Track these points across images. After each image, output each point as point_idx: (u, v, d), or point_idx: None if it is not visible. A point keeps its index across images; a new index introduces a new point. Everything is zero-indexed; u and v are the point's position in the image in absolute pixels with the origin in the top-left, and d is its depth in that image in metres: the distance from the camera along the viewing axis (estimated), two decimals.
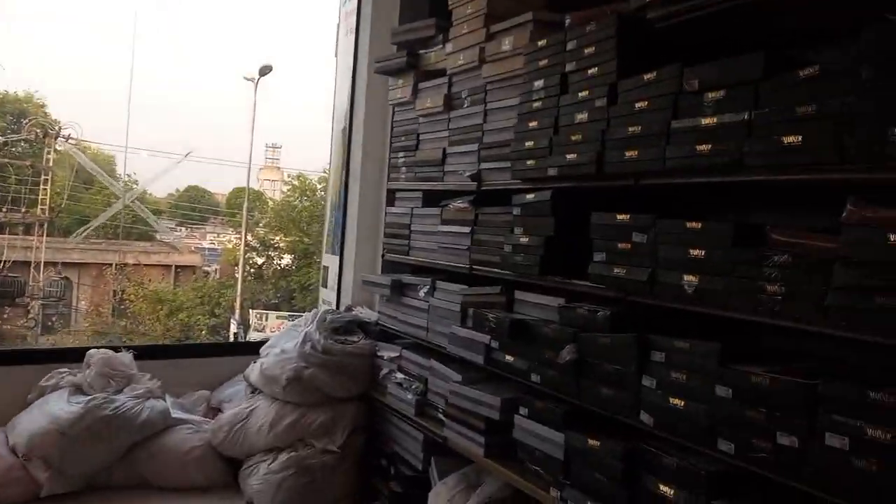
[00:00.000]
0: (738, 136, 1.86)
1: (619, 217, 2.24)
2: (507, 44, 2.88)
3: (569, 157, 2.45)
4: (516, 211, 2.72)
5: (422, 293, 3.24)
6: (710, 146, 1.94)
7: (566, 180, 2.50)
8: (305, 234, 18.67)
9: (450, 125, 3.29)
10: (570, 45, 2.50)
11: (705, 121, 1.97)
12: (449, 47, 3.28)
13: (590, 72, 2.41)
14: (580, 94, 2.44)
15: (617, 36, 2.30)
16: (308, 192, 19.68)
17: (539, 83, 2.64)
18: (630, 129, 2.21)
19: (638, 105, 2.20)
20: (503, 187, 2.86)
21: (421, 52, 3.44)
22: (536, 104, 2.66)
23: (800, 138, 1.72)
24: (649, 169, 2.14)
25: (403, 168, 3.54)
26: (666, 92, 2.11)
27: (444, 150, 3.28)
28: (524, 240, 2.61)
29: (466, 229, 3.02)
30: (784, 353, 1.94)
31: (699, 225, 1.99)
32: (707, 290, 1.90)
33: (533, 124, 2.66)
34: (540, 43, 2.65)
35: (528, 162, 2.65)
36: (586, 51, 2.42)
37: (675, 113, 2.08)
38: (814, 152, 1.68)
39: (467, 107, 3.18)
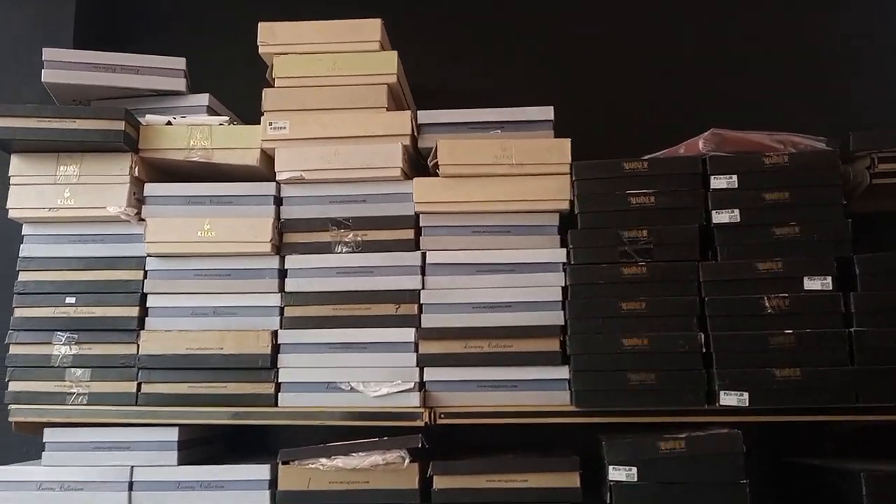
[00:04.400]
0: None
1: None
2: (507, 154, 1.58)
3: (780, 374, 1.40)
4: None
5: None
6: None
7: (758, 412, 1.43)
8: None
9: (286, 286, 1.60)
10: (717, 183, 1.49)
11: None
12: (281, 127, 1.64)
13: (777, 232, 1.48)
14: (762, 266, 1.46)
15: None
16: None
17: (636, 234, 1.49)
18: None
19: None
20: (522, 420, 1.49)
21: (155, 116, 1.74)
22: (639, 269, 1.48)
23: None
24: None
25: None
26: None
27: (275, 336, 1.56)
28: None
29: None
30: None
31: None
32: None
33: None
34: (637, 165, 1.52)
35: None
36: (768, 197, 1.48)
37: None
38: None
39: (347, 251, 1.61)
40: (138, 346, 1.63)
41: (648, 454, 1.42)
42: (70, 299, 1.67)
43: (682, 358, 1.45)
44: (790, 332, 1.43)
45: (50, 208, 1.67)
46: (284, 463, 1.56)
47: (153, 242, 1.64)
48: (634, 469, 1.42)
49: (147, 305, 1.66)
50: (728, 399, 1.41)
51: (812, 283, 1.45)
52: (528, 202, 1.59)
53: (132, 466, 1.58)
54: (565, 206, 1.58)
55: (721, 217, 1.49)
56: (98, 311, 1.65)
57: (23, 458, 1.69)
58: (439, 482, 1.52)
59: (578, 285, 1.51)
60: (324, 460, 1.54)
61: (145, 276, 1.66)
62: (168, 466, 1.58)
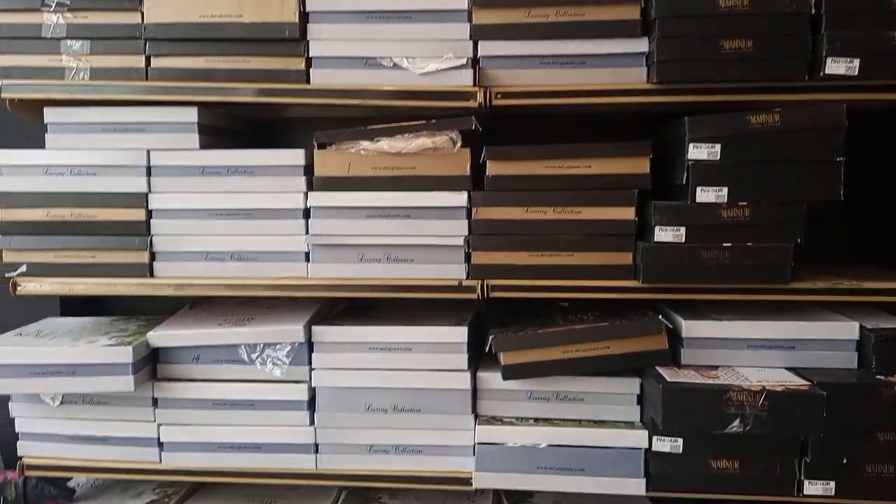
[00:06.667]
0: None
1: None
2: None
3: None
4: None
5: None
6: None
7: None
8: None
9: None
10: None
11: None
12: None
13: None
14: None
15: None
16: None
17: None
18: None
19: None
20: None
21: None
22: None
23: None
24: None
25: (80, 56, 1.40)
26: None
27: (303, 3, 1.33)
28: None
29: (461, 201, 1.33)
30: None
31: None
32: None
33: None
34: None
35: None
36: None
37: None
38: None
39: None
40: (143, 13, 1.39)
41: (736, 129, 1.26)
42: None
43: (786, 20, 1.24)
44: None
45: None
46: (321, 146, 1.40)
47: None
48: (718, 146, 1.27)
49: None
50: (836, 67, 1.22)
51: None
52: None
53: (148, 150, 1.42)
54: None
55: None
56: None
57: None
58: (493, 168, 1.37)
59: None
60: (365, 143, 1.38)
61: None
62: (189, 150, 1.42)
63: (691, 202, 1.29)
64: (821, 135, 1.25)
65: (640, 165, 1.34)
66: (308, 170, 1.41)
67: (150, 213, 1.43)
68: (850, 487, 1.29)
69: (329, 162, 1.40)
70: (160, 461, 1.47)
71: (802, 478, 1.29)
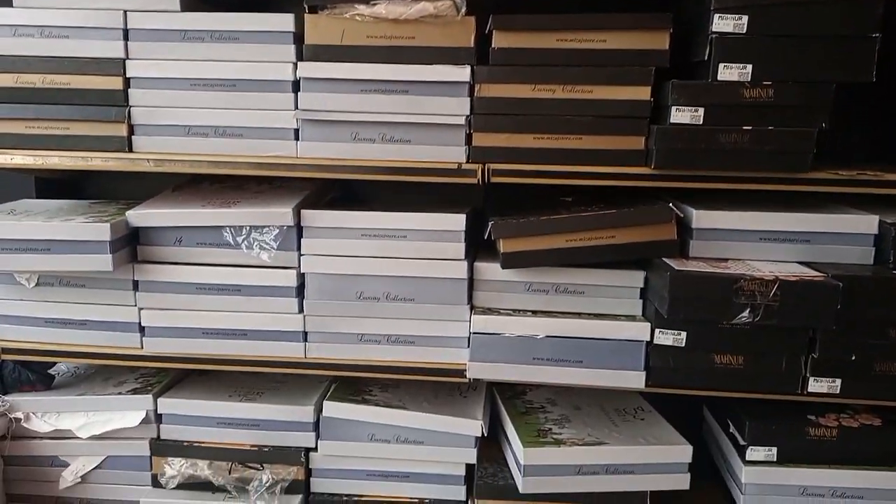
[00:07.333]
0: None
1: None
2: None
3: None
4: None
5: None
6: None
7: None
8: None
9: None
10: None
11: None
12: None
13: None
14: None
15: None
16: None
17: None
18: None
19: None
20: None
21: None
22: None
23: None
24: None
25: None
26: None
27: None
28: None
29: (463, 75, 1.23)
30: None
31: None
32: None
33: None
34: None
35: None
36: None
37: None
38: None
39: None
40: None
41: None
42: None
43: None
44: None
45: None
46: (312, 10, 1.29)
47: None
48: (745, 18, 1.16)
49: None
50: None
51: None
52: None
53: (125, 11, 1.31)
54: None
55: None
56: None
57: None
58: (499, 39, 1.26)
59: None
60: (361, 7, 1.27)
61: None
62: (169, 12, 1.31)
63: (712, 80, 1.19)
64: (857, 6, 1.15)
65: (659, 41, 1.24)
66: (298, 38, 1.30)
67: (127, 82, 1.33)
68: (857, 386, 1.24)
69: (321, 28, 1.29)
70: (142, 346, 1.41)
71: (808, 374, 1.24)
